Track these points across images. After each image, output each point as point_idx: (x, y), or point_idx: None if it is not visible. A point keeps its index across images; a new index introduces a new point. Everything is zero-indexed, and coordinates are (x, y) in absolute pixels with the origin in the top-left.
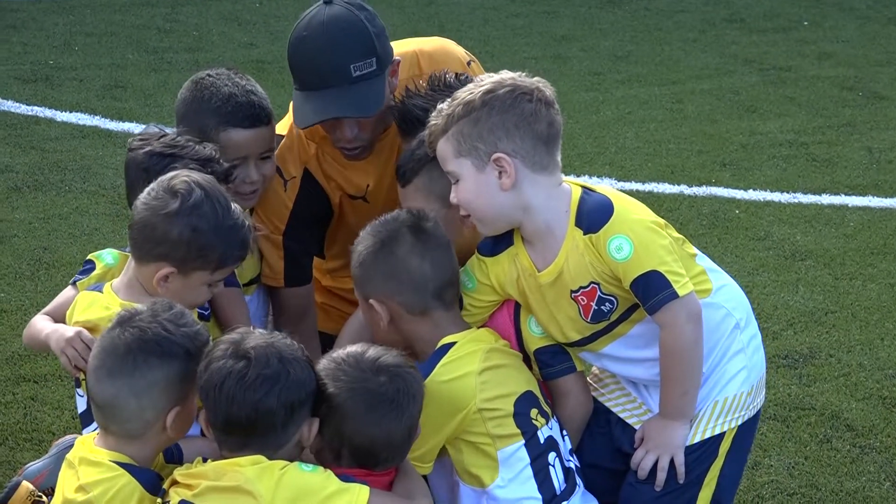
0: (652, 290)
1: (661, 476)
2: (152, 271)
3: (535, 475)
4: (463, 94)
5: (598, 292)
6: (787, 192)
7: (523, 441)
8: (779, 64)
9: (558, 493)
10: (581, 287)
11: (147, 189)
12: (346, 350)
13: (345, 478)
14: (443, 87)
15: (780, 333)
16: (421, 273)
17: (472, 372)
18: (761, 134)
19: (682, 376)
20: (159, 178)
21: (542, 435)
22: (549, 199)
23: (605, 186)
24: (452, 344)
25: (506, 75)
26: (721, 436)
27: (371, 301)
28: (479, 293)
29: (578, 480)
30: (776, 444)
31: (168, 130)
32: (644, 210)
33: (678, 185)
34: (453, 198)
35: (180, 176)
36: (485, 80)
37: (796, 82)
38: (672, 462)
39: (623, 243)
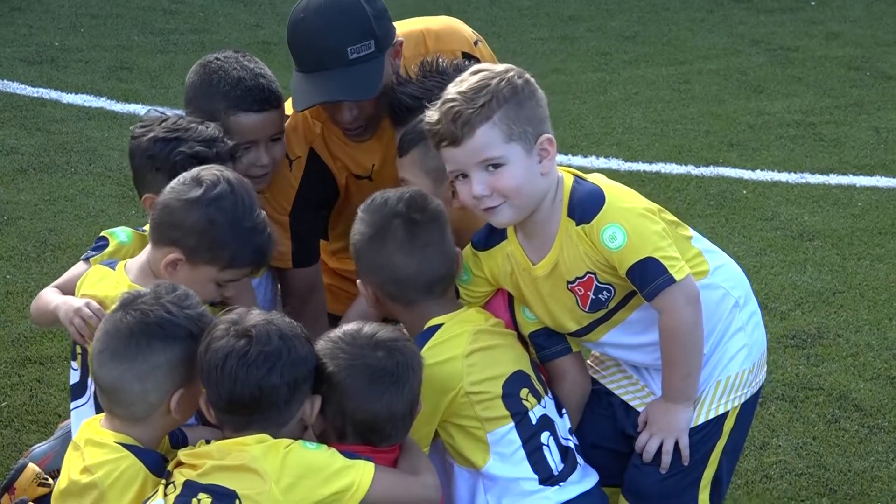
0: (648, 277)
1: (666, 459)
2: (163, 255)
3: (529, 456)
4: (489, 80)
5: (595, 282)
6: (795, 173)
7: (513, 423)
8: (786, 44)
9: (555, 472)
10: (577, 278)
11: (180, 175)
12: (343, 328)
13: (349, 454)
14: (435, 72)
15: (788, 314)
16: (406, 272)
17: (459, 355)
18: (769, 114)
19: (683, 359)
20: (197, 168)
21: (534, 415)
22: (552, 187)
23: (595, 174)
24: (439, 326)
25: (501, 66)
26: (725, 415)
27: (358, 281)
28: (473, 285)
29: (579, 459)
30: (784, 424)
31: (169, 113)
32: (635, 197)
33: (685, 165)
34: (484, 188)
35: (212, 169)
36: (489, 69)
37: (804, 62)
38: (677, 445)
39: (616, 232)
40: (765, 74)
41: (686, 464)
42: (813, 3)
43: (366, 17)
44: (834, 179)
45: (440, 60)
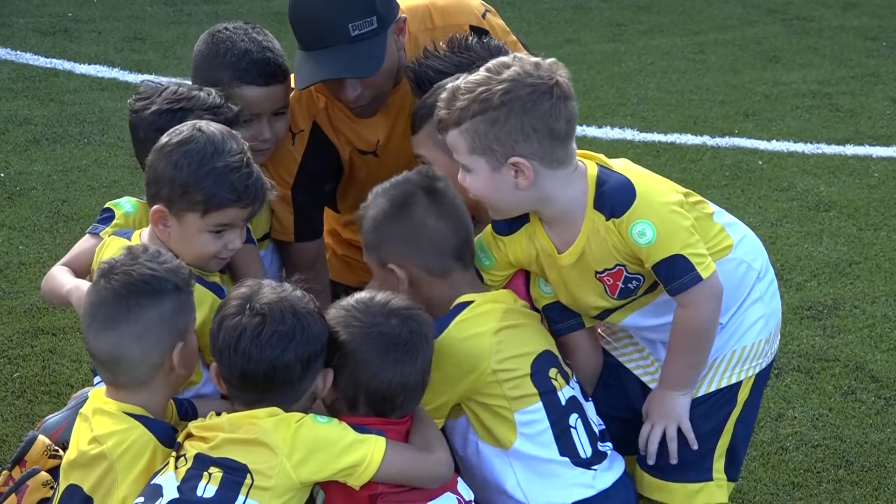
0: (676, 274)
1: (672, 446)
2: (154, 214)
3: (557, 439)
4: (480, 85)
5: (625, 272)
6: (811, 143)
7: (541, 403)
8: (802, 14)
9: (583, 457)
10: (607, 269)
11: None
12: (355, 297)
13: (360, 428)
14: (461, 49)
15: (804, 285)
16: (440, 234)
17: (488, 331)
18: (784, 84)
19: (693, 350)
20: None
21: (563, 396)
22: (565, 187)
23: (621, 162)
24: (469, 302)
25: (524, 64)
26: (739, 384)
27: (390, 266)
28: (496, 269)
29: (608, 445)
30: (800, 395)
31: (164, 83)
32: (665, 187)
33: (701, 136)
34: (462, 180)
35: (194, 121)
36: (503, 73)
37: (820, 32)
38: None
39: (646, 228)
40: (780, 44)
41: (695, 447)
42: None
43: None
44: (850, 150)
45: (470, 38)
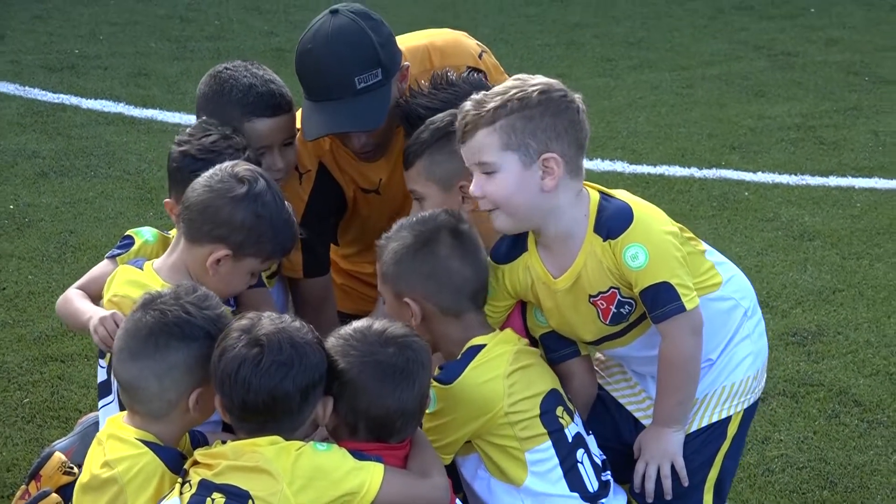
0: (661, 301)
1: (667, 484)
2: (206, 253)
3: (566, 475)
4: (512, 88)
5: (618, 296)
6: (796, 175)
7: (550, 442)
8: (787, 49)
9: (591, 491)
10: (601, 292)
11: (209, 173)
12: (353, 325)
13: (359, 455)
14: (445, 84)
15: (789, 312)
16: (461, 276)
17: (501, 375)
18: (770, 118)
19: (679, 386)
20: (221, 165)
21: (570, 433)
22: (572, 205)
23: (622, 192)
24: (482, 346)
25: (548, 78)
26: (728, 419)
27: (406, 300)
28: (496, 299)
29: (610, 478)
30: (786, 419)
31: (213, 130)
32: (661, 217)
33: (689, 167)
34: (477, 190)
35: (243, 165)
36: (533, 80)
37: (804, 67)
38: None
39: (639, 252)
40: (766, 79)
41: (686, 484)
42: (812, 10)
43: (372, 46)
44: (833, 181)
45: (449, 74)
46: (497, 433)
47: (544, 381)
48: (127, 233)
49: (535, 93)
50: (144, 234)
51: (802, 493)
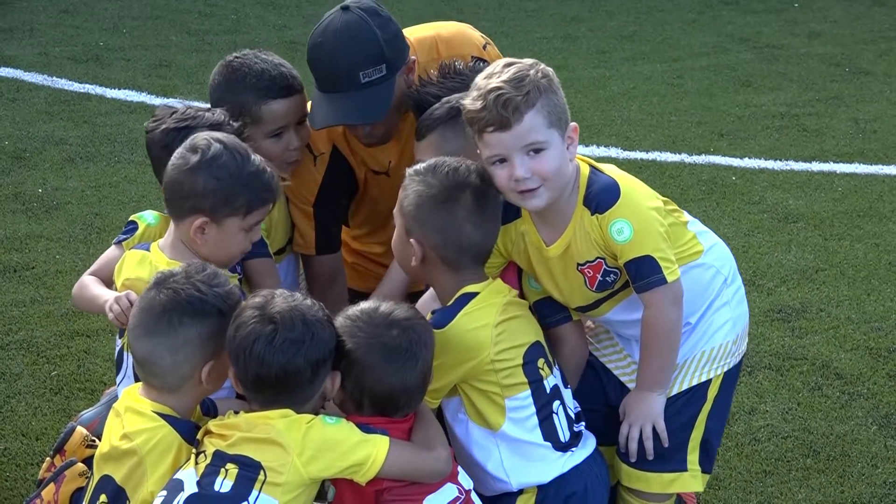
0: (643, 273)
1: (648, 445)
2: (189, 225)
3: (541, 423)
4: (526, 69)
5: (604, 265)
6: (780, 160)
7: (529, 391)
8: (772, 42)
9: (563, 441)
10: (587, 261)
11: (175, 153)
12: (360, 307)
13: (366, 428)
14: (453, 74)
15: (774, 290)
16: (470, 238)
17: (490, 324)
18: (756, 106)
19: (661, 352)
20: (185, 142)
21: (548, 384)
22: (574, 172)
23: (610, 166)
24: (474, 294)
25: (528, 59)
26: (708, 382)
27: (412, 239)
28: (490, 257)
29: (582, 426)
30: (771, 391)
31: (177, 105)
32: (646, 192)
33: (679, 154)
34: (525, 170)
35: (199, 135)
36: (524, 61)
37: (788, 59)
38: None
39: (624, 227)
40: (752, 70)
41: (666, 445)
42: (796, 5)
43: (377, 44)
44: (816, 166)
45: (457, 63)
46: (482, 378)
47: (529, 332)
48: (130, 218)
49: (547, 71)
50: (147, 218)
51: (787, 460)
